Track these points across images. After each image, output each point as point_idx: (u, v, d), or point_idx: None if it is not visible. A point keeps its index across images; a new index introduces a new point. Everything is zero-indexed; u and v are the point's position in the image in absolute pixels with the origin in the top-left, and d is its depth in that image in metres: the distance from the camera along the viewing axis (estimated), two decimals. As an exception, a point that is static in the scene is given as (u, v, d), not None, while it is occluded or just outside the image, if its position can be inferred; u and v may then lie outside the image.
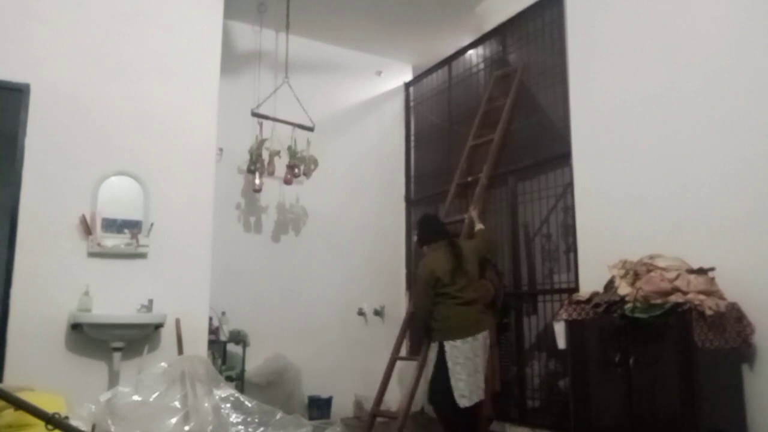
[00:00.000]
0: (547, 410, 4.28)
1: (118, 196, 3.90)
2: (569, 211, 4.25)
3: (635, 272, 3.17)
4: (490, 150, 4.75)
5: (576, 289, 3.88)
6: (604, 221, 3.83)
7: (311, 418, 4.77)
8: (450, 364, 3.55)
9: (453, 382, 3.53)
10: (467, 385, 3.53)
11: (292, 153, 5.24)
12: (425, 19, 5.53)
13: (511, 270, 4.72)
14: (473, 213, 4.37)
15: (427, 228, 4.01)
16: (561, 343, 3.46)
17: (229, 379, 4.42)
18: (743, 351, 2.99)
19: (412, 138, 6.37)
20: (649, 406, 2.96)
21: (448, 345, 3.58)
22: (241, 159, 5.26)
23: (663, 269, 3.07)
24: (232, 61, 5.22)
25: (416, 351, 4.49)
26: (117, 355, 3.60)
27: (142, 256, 3.91)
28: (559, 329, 3.47)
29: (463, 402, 3.51)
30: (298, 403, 4.97)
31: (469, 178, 4.91)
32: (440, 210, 5.74)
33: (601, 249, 3.71)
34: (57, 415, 1.67)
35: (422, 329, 3.97)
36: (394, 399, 5.06)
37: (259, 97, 5.24)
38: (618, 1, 3.94)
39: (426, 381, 4.17)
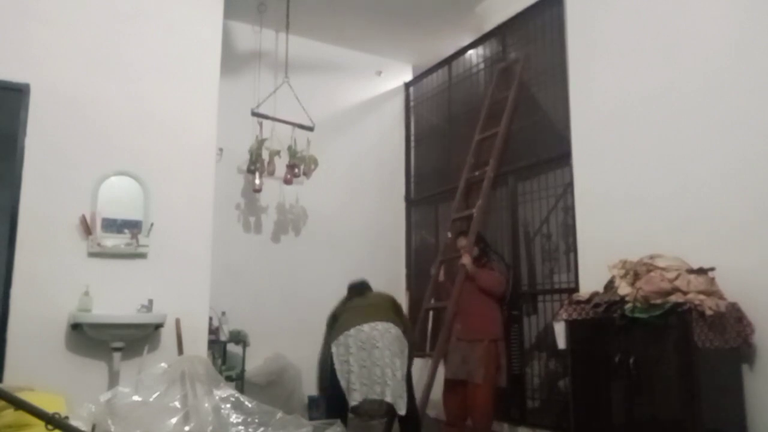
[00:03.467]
0: (547, 410, 4.28)
1: (118, 196, 3.90)
2: (569, 211, 4.25)
3: (635, 272, 3.17)
4: (496, 142, 4.74)
5: (576, 289, 3.88)
6: (604, 221, 3.83)
7: (311, 418, 4.76)
8: (337, 361, 3.33)
9: (343, 376, 3.31)
10: (357, 377, 3.28)
11: (292, 153, 5.24)
12: (425, 19, 5.52)
13: (511, 270, 4.71)
14: (466, 260, 4.28)
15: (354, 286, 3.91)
16: (561, 343, 3.46)
17: (229, 379, 4.42)
18: (743, 351, 2.99)
19: (412, 138, 6.37)
20: (649, 406, 2.96)
21: (335, 343, 3.41)
22: (241, 159, 5.26)
23: (663, 269, 3.07)
24: (232, 61, 5.21)
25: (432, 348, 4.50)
26: (117, 355, 3.60)
27: (142, 256, 3.90)
28: (559, 329, 3.47)
29: (352, 396, 3.27)
30: (298, 403, 4.96)
31: (476, 172, 4.90)
32: (440, 209, 5.77)
33: (601, 249, 3.70)
34: (57, 415, 1.67)
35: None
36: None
37: (259, 97, 5.23)
38: (618, 1, 3.94)
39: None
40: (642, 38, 3.74)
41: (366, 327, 3.38)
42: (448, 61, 5.87)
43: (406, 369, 3.42)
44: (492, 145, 4.79)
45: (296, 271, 5.45)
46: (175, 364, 3.49)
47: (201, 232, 4.11)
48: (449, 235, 4.92)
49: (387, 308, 3.61)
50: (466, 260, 4.29)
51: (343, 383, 3.31)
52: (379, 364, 3.31)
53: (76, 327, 3.60)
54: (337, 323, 3.57)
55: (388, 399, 3.27)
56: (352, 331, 3.38)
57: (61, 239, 3.72)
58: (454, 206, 5.01)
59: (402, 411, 3.31)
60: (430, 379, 4.18)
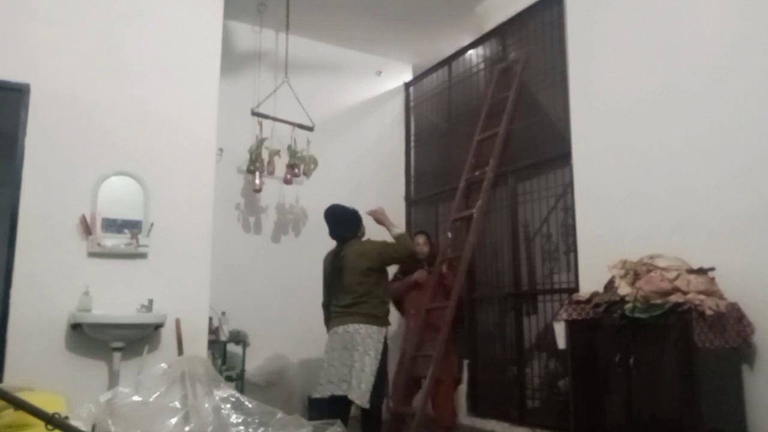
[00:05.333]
0: (547, 410, 4.28)
1: (118, 196, 3.90)
2: (569, 211, 4.25)
3: (635, 272, 3.17)
4: (496, 143, 4.75)
5: (576, 289, 3.88)
6: (604, 221, 3.83)
7: (311, 418, 4.75)
8: (324, 354, 3.72)
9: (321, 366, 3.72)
10: (324, 374, 3.64)
11: (292, 153, 5.24)
12: (425, 19, 5.53)
13: (511, 270, 4.72)
14: (383, 218, 4.06)
15: (327, 224, 3.96)
16: (561, 343, 3.46)
17: (229, 379, 4.42)
18: (743, 351, 2.99)
19: (412, 138, 6.37)
20: (649, 406, 2.97)
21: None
22: (241, 159, 5.26)
23: (663, 269, 3.07)
24: (232, 61, 5.21)
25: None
26: (117, 355, 3.60)
27: (142, 256, 3.90)
28: (559, 329, 3.47)
29: (318, 390, 3.63)
30: (298, 403, 4.96)
31: (477, 173, 4.91)
32: (440, 209, 5.77)
33: (601, 249, 3.71)
34: (57, 415, 1.67)
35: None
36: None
37: (259, 96, 5.23)
38: (618, 2, 3.94)
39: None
40: (642, 38, 3.74)
41: (340, 329, 3.67)
42: (448, 61, 5.87)
43: (377, 365, 3.58)
44: (492, 145, 4.80)
45: (296, 271, 5.43)
46: (175, 365, 3.49)
47: (201, 232, 4.11)
48: (449, 235, 4.92)
49: (359, 293, 3.69)
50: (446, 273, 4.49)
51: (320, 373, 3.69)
52: (347, 363, 3.58)
53: (76, 327, 3.60)
54: (329, 307, 3.85)
55: (351, 396, 3.52)
56: (331, 332, 3.74)
57: (61, 239, 3.72)
58: (454, 206, 5.01)
59: (365, 404, 3.51)
60: (431, 380, 4.18)
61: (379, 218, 4.01)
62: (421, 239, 4.58)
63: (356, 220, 3.96)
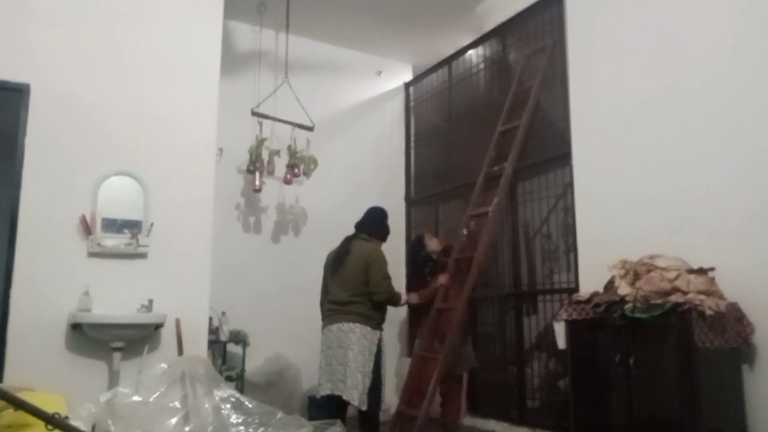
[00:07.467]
0: (547, 410, 4.29)
1: (118, 196, 3.90)
2: (569, 211, 4.25)
3: (635, 272, 3.17)
4: (516, 136, 4.61)
5: (576, 289, 3.88)
6: (604, 221, 3.83)
7: (311, 418, 4.75)
8: (321, 353, 3.79)
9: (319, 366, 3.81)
10: (323, 374, 3.71)
11: (292, 153, 5.25)
12: (425, 19, 5.53)
13: (511, 270, 4.72)
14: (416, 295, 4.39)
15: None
16: (561, 343, 3.46)
17: (229, 379, 4.42)
18: (743, 351, 2.99)
19: (412, 138, 6.37)
20: (649, 406, 2.97)
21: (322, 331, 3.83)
22: (241, 159, 5.26)
23: (663, 269, 3.07)
24: (232, 61, 5.22)
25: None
26: (117, 355, 3.60)
27: (142, 256, 3.90)
28: (559, 329, 3.47)
29: (318, 390, 3.74)
30: (298, 403, 4.97)
31: (495, 168, 4.78)
32: (440, 209, 5.77)
33: (601, 249, 3.71)
34: (57, 415, 1.68)
35: None
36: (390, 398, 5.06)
37: (259, 96, 5.24)
38: (618, 2, 3.94)
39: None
40: (642, 39, 3.74)
41: (334, 327, 3.71)
42: (448, 61, 5.88)
43: (371, 366, 3.62)
44: (513, 138, 4.62)
45: (296, 271, 5.43)
46: (175, 365, 3.49)
47: (201, 232, 4.11)
48: (464, 231, 4.86)
49: (356, 292, 3.74)
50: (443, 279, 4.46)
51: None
52: (343, 363, 3.62)
53: (76, 327, 3.60)
54: (325, 301, 3.92)
55: (346, 397, 3.56)
56: (325, 330, 3.79)
57: (61, 239, 3.72)
58: (471, 202, 4.84)
59: (363, 406, 3.56)
60: (435, 382, 4.17)
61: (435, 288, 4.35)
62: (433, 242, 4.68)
63: (381, 229, 4.04)
